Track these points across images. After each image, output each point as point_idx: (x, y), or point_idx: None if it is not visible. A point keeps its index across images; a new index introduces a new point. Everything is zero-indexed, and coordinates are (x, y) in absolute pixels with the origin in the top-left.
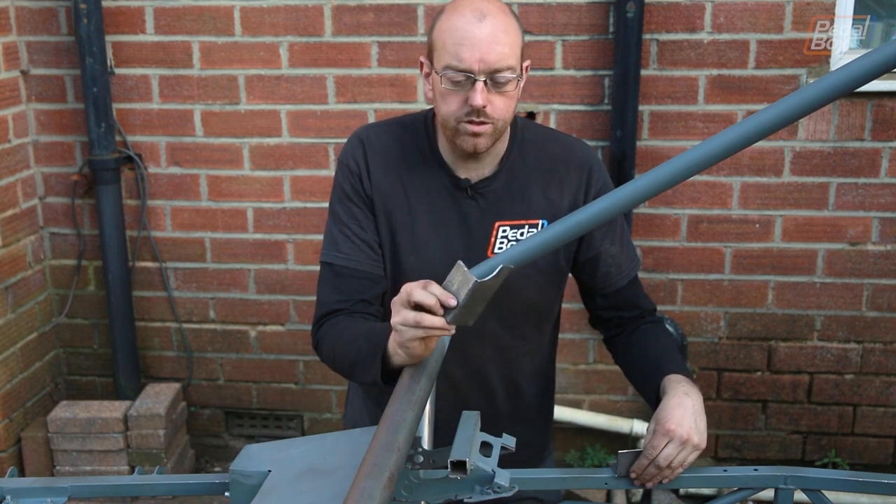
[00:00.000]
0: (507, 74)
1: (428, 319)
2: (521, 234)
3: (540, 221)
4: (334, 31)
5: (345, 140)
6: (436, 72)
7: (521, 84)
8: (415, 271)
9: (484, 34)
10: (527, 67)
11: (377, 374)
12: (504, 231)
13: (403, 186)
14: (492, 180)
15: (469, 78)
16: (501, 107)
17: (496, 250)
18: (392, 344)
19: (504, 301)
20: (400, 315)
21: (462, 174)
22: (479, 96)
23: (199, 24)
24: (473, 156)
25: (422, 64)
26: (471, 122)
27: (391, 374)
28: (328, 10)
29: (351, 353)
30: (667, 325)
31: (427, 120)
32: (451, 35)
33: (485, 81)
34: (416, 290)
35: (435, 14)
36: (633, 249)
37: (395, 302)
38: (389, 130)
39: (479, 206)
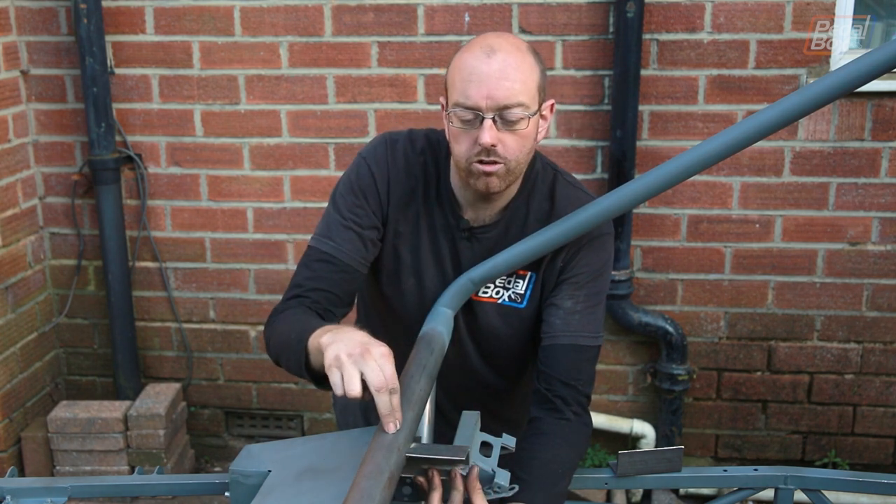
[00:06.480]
0: (518, 112)
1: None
2: (509, 284)
3: (529, 274)
4: (334, 31)
5: (344, 140)
6: (446, 111)
7: (542, 124)
8: (413, 293)
9: (492, 70)
10: (550, 107)
11: (301, 362)
12: None
13: (417, 209)
14: (490, 228)
15: (478, 116)
16: (514, 146)
17: (481, 293)
18: (320, 341)
19: (487, 345)
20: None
21: (468, 213)
22: (487, 134)
23: (199, 24)
24: (485, 197)
25: (442, 104)
26: (481, 162)
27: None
28: (328, 10)
29: (284, 335)
30: (582, 430)
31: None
32: (461, 72)
33: (493, 119)
34: (374, 361)
35: (455, 50)
36: (596, 328)
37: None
38: (415, 147)
39: (472, 249)
